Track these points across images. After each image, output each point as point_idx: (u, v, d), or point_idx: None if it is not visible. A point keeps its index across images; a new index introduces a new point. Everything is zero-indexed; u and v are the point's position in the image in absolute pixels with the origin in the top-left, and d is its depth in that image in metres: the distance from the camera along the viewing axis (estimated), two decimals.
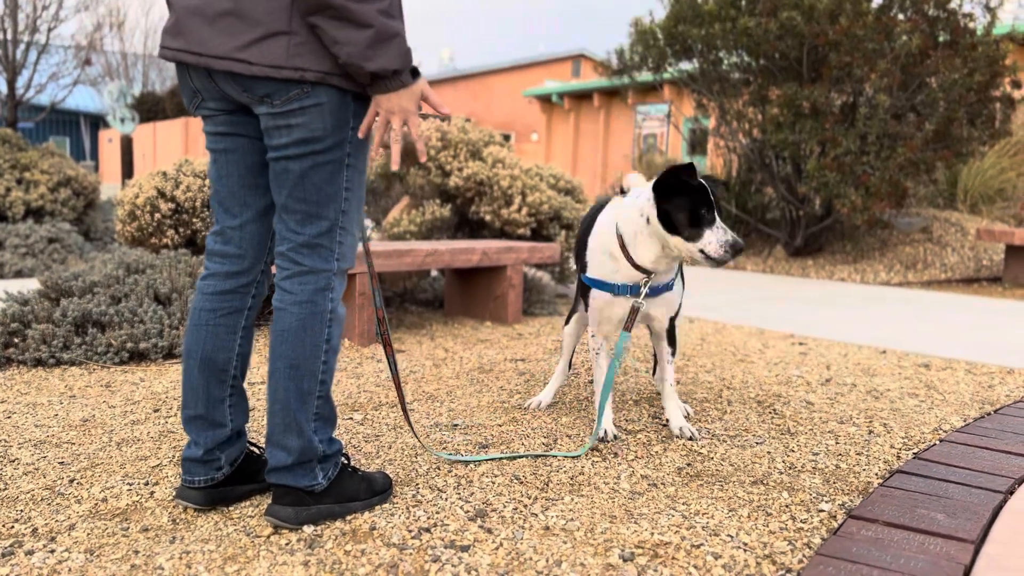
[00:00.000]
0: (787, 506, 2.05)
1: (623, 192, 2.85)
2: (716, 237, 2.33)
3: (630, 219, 2.49)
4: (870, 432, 2.71)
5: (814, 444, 2.56)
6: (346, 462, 1.99)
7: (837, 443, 2.58)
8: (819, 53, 7.88)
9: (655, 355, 3.14)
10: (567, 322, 3.00)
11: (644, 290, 2.50)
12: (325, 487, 1.87)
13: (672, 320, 2.70)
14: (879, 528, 1.89)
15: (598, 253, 2.59)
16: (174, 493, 2.00)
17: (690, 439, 2.59)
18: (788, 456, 2.44)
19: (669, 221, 2.37)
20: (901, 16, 7.64)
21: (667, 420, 2.70)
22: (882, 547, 1.78)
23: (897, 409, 3.01)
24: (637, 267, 2.49)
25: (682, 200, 2.34)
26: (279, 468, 1.84)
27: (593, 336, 2.72)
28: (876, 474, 2.30)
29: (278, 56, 1.69)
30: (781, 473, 2.29)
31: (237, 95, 1.78)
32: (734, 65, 8.55)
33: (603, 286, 2.57)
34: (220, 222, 1.96)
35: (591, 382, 3.32)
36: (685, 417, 2.81)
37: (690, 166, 2.31)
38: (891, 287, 7.31)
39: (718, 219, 2.35)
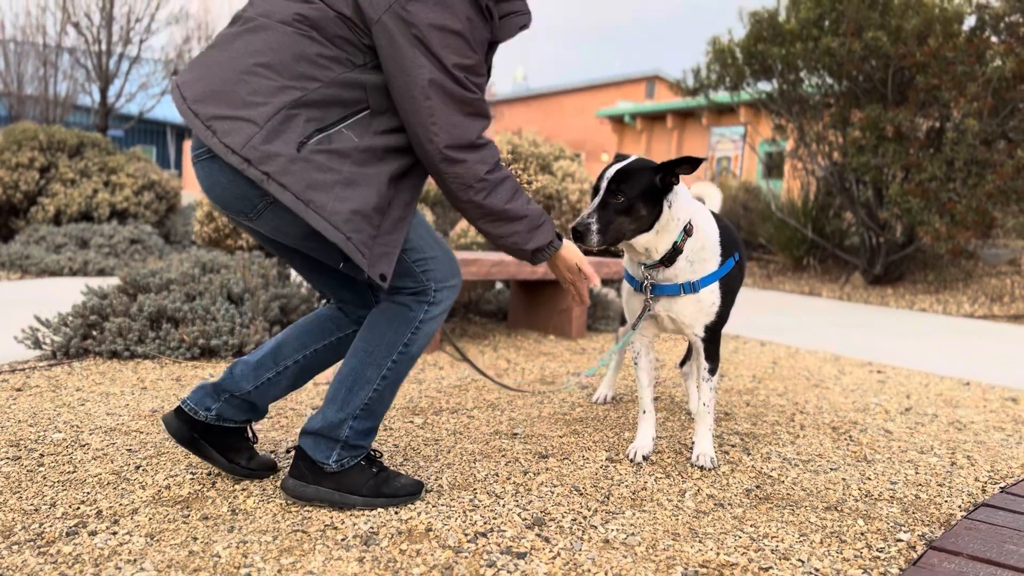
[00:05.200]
0: (862, 534, 1.94)
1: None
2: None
3: None
4: (952, 464, 2.56)
5: (892, 473, 2.43)
6: (371, 460, 1.98)
7: (917, 473, 2.44)
8: (905, 75, 7.64)
9: (689, 346, 3.03)
10: (621, 323, 3.13)
11: (647, 283, 2.35)
12: (333, 471, 1.90)
13: (710, 330, 2.40)
14: (963, 561, 1.77)
15: None
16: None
17: (706, 469, 2.36)
18: (864, 484, 2.32)
19: None
20: (995, 38, 7.35)
21: (692, 443, 2.54)
22: None
23: (982, 442, 2.85)
24: (637, 252, 2.34)
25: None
26: (308, 431, 1.92)
27: (633, 342, 2.50)
28: (959, 506, 2.17)
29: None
30: (856, 500, 2.18)
31: None
32: (815, 86, 8.36)
33: (627, 276, 2.47)
34: None
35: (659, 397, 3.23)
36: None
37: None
38: (975, 319, 6.99)
39: (593, 201, 2.21)
